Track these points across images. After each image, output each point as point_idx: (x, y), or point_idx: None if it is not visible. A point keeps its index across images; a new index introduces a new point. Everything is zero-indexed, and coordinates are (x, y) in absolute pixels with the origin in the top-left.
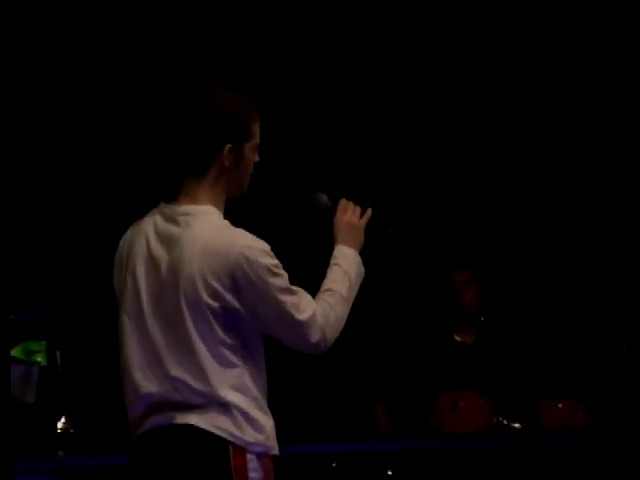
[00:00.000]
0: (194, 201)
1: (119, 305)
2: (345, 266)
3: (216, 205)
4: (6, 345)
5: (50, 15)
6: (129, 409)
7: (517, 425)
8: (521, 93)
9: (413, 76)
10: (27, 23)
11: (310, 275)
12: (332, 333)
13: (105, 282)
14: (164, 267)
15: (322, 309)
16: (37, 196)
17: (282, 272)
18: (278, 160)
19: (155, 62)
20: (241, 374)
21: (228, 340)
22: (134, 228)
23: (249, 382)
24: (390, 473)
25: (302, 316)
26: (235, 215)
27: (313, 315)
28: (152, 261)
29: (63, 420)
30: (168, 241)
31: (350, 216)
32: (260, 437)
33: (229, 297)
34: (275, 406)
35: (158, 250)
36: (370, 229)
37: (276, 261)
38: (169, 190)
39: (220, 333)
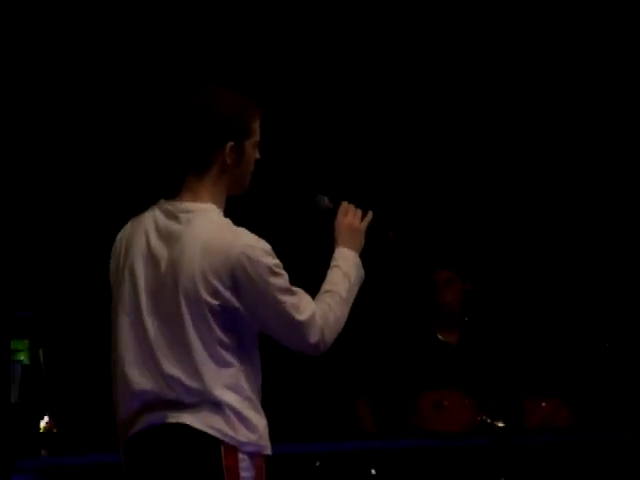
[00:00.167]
0: (195, 198)
1: (114, 300)
2: (345, 268)
3: (217, 203)
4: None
5: (50, 15)
6: (121, 406)
7: (501, 424)
8: (503, 93)
9: (417, 83)
10: (27, 23)
11: (311, 276)
12: (331, 334)
13: (89, 280)
14: (164, 264)
15: (321, 310)
16: (24, 195)
17: (283, 272)
18: (281, 162)
19: (157, 61)
20: (236, 374)
21: (225, 339)
22: (133, 223)
23: (244, 382)
24: (374, 472)
25: (301, 316)
26: (238, 216)
27: (312, 316)
28: (152, 257)
29: (46, 419)
30: (169, 238)
31: (351, 219)
32: (253, 437)
33: (229, 296)
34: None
35: (158, 247)
36: (371, 233)
37: (277, 261)
38: (168, 187)
39: (218, 332)
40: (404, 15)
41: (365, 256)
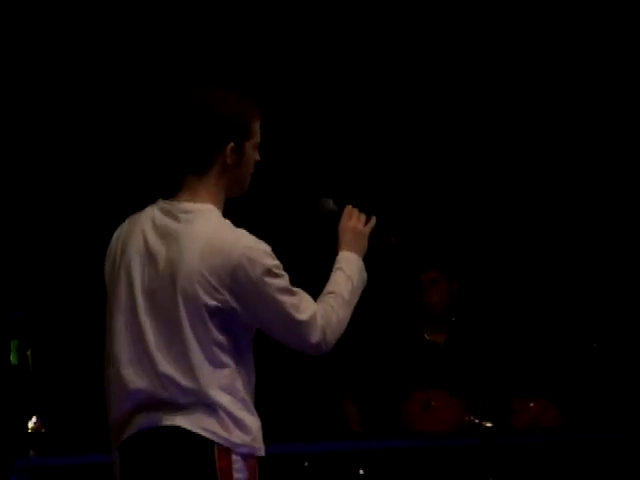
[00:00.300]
0: (194, 199)
1: (110, 299)
2: (348, 271)
3: (216, 204)
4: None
5: (50, 15)
6: (114, 406)
7: (489, 424)
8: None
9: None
10: (27, 23)
11: (315, 278)
12: (333, 334)
13: (77, 280)
14: (162, 262)
15: (323, 310)
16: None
17: (283, 273)
18: (287, 164)
19: (158, 62)
20: (231, 374)
21: (221, 340)
22: (131, 222)
23: (238, 383)
24: (362, 472)
25: (302, 316)
26: (243, 217)
27: (313, 315)
28: (149, 256)
29: (34, 419)
30: (167, 236)
31: (355, 222)
32: (247, 438)
33: (228, 296)
34: None
35: (156, 245)
36: (374, 238)
37: (277, 262)
38: (166, 187)
39: (214, 333)
40: (405, 17)
41: (367, 261)
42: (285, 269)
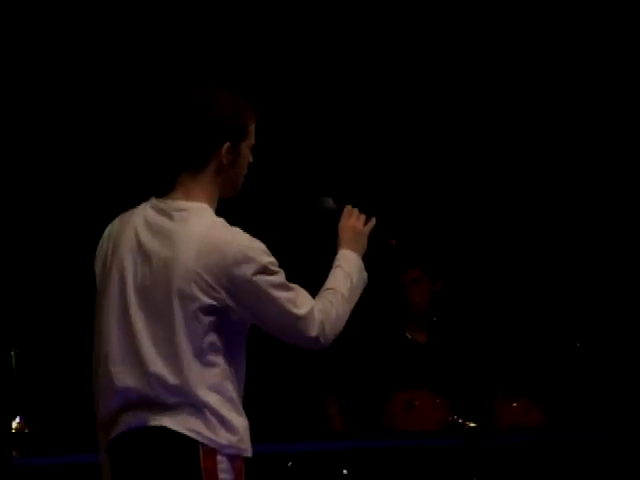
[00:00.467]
0: (188, 197)
1: (100, 297)
2: (347, 268)
3: (210, 203)
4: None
5: (50, 15)
6: (102, 404)
7: (472, 424)
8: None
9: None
10: (27, 23)
11: (314, 277)
12: (332, 330)
13: (61, 281)
14: (155, 261)
15: (322, 305)
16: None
17: (278, 270)
18: (287, 164)
19: (157, 62)
20: (221, 374)
21: (213, 339)
22: (122, 220)
23: (228, 383)
24: (346, 472)
25: (299, 311)
26: (242, 217)
27: (311, 310)
28: (142, 254)
29: (17, 420)
30: (160, 234)
31: (354, 222)
32: (233, 439)
33: (224, 294)
34: None
35: (149, 243)
36: (373, 239)
37: (272, 259)
38: (159, 185)
39: (207, 332)
40: (405, 18)
41: (366, 262)
42: (285, 267)
